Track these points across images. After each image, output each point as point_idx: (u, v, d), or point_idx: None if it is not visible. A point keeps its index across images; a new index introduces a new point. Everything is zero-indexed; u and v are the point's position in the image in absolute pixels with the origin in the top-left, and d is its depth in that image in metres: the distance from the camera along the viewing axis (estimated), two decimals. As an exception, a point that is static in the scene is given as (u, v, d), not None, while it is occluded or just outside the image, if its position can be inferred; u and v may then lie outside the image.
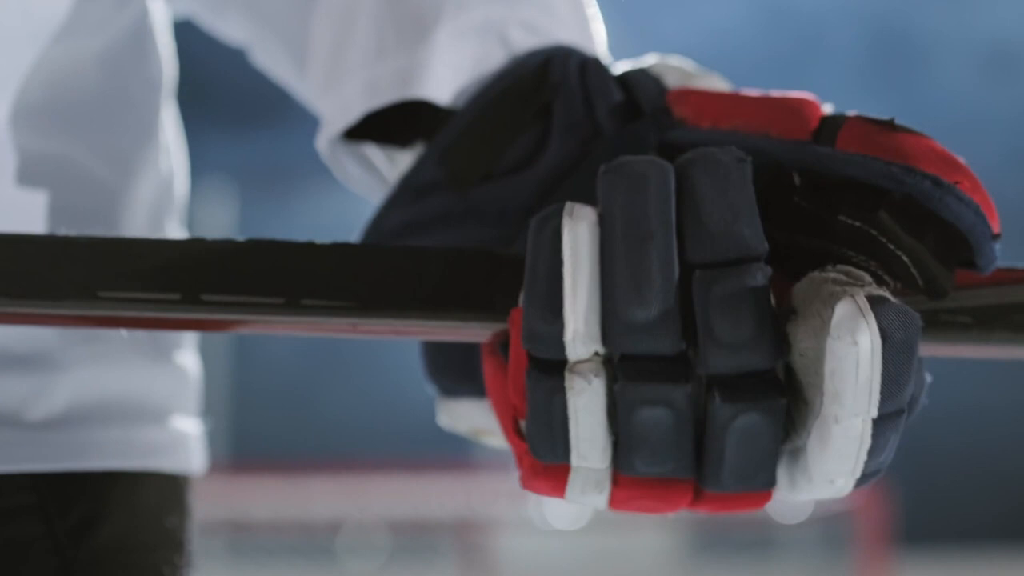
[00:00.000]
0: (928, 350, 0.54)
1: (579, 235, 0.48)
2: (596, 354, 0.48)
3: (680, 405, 0.48)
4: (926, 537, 8.69)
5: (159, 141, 0.74)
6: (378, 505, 7.70)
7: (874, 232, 0.52)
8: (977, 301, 0.54)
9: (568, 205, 0.49)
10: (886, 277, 0.52)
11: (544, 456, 0.49)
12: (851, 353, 0.47)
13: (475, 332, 0.52)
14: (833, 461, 0.49)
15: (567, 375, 0.48)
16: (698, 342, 0.48)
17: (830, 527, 7.64)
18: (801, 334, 0.49)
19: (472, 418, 0.62)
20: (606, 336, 0.48)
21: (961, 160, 0.52)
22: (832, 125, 0.54)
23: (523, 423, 0.51)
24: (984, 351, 0.55)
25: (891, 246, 0.52)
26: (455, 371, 0.61)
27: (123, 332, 0.69)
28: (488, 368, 0.54)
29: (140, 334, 0.71)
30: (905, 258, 0.52)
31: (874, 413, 0.48)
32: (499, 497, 7.68)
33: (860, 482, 0.50)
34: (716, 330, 0.48)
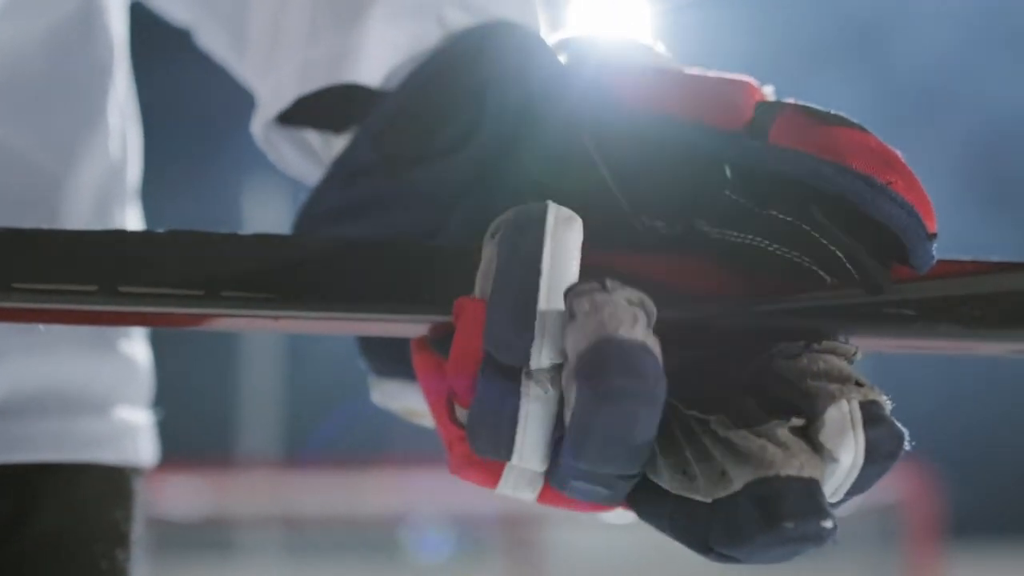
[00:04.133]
0: (873, 344, 0.54)
1: (559, 246, 0.48)
2: (554, 365, 0.48)
3: (620, 490, 0.48)
4: (977, 530, 8.61)
5: (107, 125, 0.73)
6: (428, 501, 7.70)
7: (806, 228, 0.51)
8: (921, 294, 0.53)
9: (551, 212, 0.48)
10: (821, 273, 0.51)
11: (485, 453, 0.49)
12: (828, 466, 0.47)
13: (402, 327, 0.52)
14: None
15: (524, 380, 0.48)
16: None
17: (883, 520, 7.59)
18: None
19: (405, 398, 0.62)
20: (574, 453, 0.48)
21: (898, 156, 0.51)
22: (767, 115, 0.52)
23: (460, 410, 0.51)
24: (929, 344, 0.55)
25: (824, 241, 0.51)
26: (389, 352, 0.61)
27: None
28: (418, 362, 0.54)
29: None
30: (839, 254, 0.51)
31: (830, 502, 0.48)
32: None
33: None
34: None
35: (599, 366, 0.45)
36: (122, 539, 0.72)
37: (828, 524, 0.46)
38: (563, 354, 0.47)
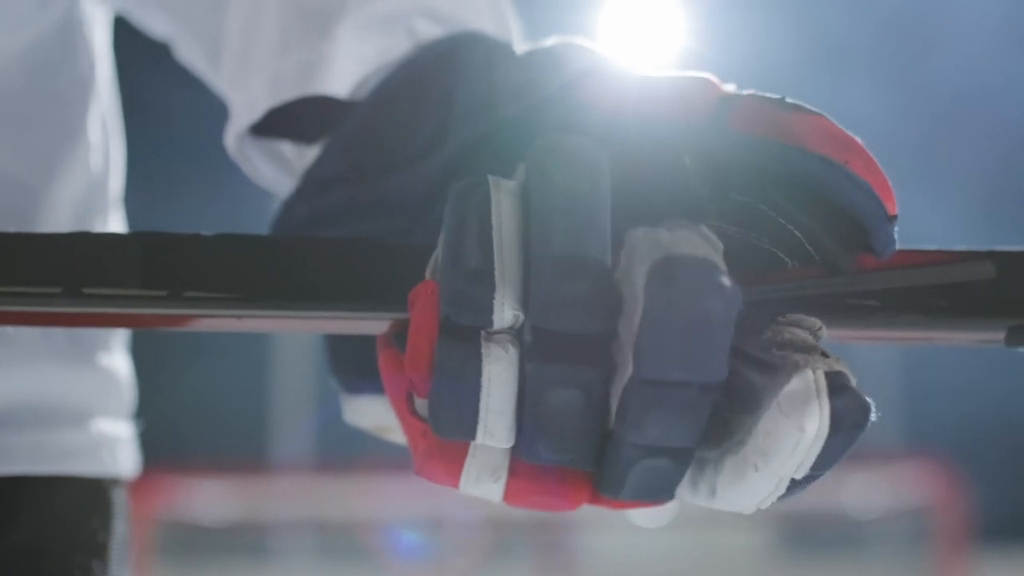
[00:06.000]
0: (836, 336, 0.53)
1: (506, 201, 0.48)
2: (512, 328, 0.48)
3: (594, 389, 0.47)
4: (1006, 533, 8.57)
5: (88, 139, 0.73)
6: (460, 505, 7.71)
7: (764, 207, 0.51)
8: (885, 284, 0.53)
9: (490, 176, 0.49)
10: (782, 255, 0.52)
11: (447, 430, 0.48)
12: (793, 435, 0.47)
13: (365, 324, 0.52)
14: (743, 497, 0.49)
15: (484, 343, 0.47)
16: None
17: (913, 523, 7.57)
18: (749, 377, 0.48)
19: (375, 414, 0.62)
20: (529, 309, 0.47)
21: (855, 139, 0.51)
22: (726, 104, 0.53)
23: (420, 402, 0.51)
24: (892, 335, 0.55)
25: (783, 221, 0.51)
26: (358, 367, 0.61)
27: (24, 333, 0.68)
28: (383, 358, 0.54)
29: (58, 336, 0.70)
30: (799, 234, 0.51)
31: (796, 477, 0.48)
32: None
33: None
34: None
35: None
36: (100, 551, 0.72)
37: (726, 280, 0.44)
38: (524, 305, 0.47)
